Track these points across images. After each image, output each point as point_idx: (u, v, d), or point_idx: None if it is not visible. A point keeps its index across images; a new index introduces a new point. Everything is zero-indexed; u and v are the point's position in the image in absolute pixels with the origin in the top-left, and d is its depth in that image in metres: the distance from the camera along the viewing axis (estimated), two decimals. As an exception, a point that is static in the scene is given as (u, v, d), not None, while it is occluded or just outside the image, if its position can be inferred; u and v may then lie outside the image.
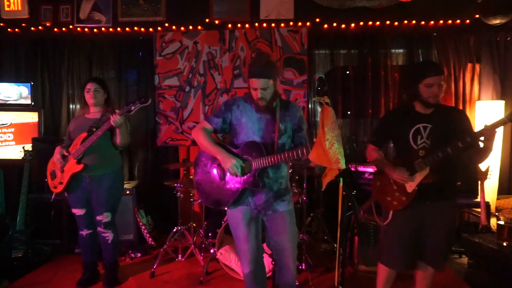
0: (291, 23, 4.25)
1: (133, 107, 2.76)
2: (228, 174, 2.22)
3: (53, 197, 3.13)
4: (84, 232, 3.14)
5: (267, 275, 2.49)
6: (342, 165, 1.97)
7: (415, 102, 2.33)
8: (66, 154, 3.00)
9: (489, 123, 2.10)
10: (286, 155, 2.11)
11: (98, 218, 3.06)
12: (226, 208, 2.32)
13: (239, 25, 4.33)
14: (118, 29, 4.34)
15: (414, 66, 3.64)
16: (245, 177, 2.18)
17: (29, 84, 4.52)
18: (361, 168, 3.77)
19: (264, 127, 2.21)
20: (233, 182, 2.22)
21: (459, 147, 2.12)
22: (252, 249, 2.25)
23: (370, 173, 3.68)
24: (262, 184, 2.17)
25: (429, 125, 2.27)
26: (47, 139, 4.30)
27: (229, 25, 4.35)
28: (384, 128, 2.57)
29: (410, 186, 2.29)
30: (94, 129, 2.89)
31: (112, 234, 3.11)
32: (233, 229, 2.32)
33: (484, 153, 2.18)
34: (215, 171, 2.29)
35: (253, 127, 2.22)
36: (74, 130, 3.07)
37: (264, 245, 2.43)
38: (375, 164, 2.55)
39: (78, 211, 3.10)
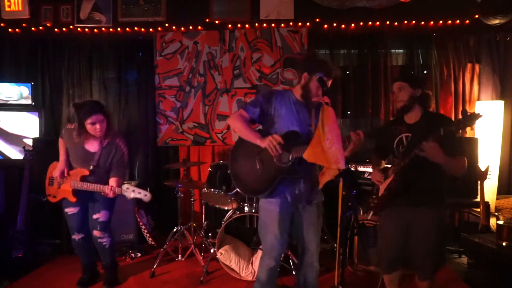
0: (291, 23, 4.25)
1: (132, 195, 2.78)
2: (266, 163, 2.25)
3: (45, 198, 3.14)
4: (76, 237, 3.07)
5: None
6: (342, 165, 1.98)
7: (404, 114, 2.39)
8: (66, 176, 2.98)
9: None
10: None
11: (95, 216, 3.01)
12: (261, 199, 2.36)
13: (239, 25, 4.34)
14: (118, 29, 4.33)
15: None
16: (283, 165, 2.21)
17: (29, 84, 4.51)
18: (361, 168, 3.78)
19: (302, 119, 2.31)
20: (271, 170, 2.24)
21: (417, 154, 2.12)
22: (281, 244, 2.29)
23: (370, 173, 3.70)
24: (300, 173, 2.21)
25: (410, 135, 2.31)
26: (47, 139, 4.29)
27: (229, 25, 4.35)
28: (377, 141, 2.66)
29: (381, 190, 2.39)
30: (93, 167, 2.91)
31: (109, 239, 3.07)
32: (265, 221, 2.33)
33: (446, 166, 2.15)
34: (253, 161, 2.32)
35: (292, 118, 2.30)
36: (74, 158, 3.00)
37: None
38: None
39: (71, 210, 3.03)
